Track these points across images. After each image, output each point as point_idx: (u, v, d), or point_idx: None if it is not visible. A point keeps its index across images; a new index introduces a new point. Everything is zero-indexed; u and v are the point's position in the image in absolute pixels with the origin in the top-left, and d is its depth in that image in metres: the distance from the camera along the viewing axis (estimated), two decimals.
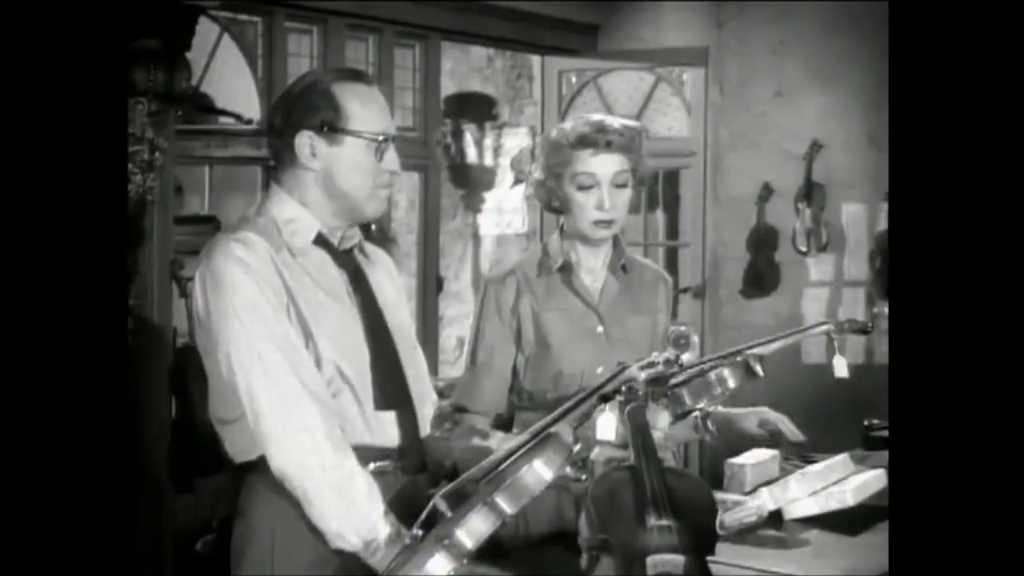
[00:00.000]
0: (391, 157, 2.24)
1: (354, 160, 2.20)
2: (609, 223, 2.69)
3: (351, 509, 2.06)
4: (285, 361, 2.09)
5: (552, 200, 2.76)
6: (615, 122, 2.72)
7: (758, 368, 2.29)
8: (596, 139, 2.66)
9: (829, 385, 2.57)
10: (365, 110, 2.21)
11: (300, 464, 2.06)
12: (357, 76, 2.27)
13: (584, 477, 2.18)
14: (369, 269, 2.33)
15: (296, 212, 2.22)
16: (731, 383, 2.28)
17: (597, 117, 2.76)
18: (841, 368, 2.61)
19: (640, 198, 2.86)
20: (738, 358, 2.34)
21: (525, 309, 2.72)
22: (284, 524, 2.12)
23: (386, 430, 2.22)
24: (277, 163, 2.26)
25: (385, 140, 2.22)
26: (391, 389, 2.23)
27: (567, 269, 2.75)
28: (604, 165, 2.67)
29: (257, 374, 2.08)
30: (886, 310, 2.36)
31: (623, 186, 2.69)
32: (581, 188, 2.68)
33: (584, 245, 2.75)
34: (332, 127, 2.18)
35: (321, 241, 2.24)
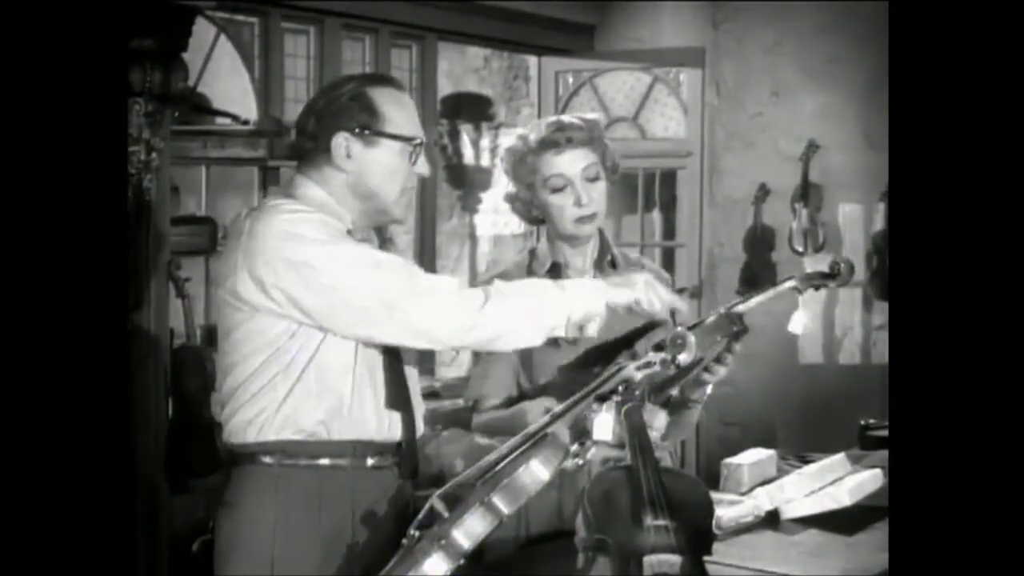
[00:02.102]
0: (423, 161, 2.30)
1: (388, 162, 2.24)
2: (591, 217, 2.68)
3: (543, 303, 2.22)
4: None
5: (531, 211, 2.75)
6: (572, 119, 2.71)
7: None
8: (557, 138, 2.65)
9: (826, 385, 2.57)
10: (400, 115, 2.25)
11: (485, 307, 2.18)
12: (389, 81, 2.32)
13: (582, 463, 2.18)
14: None
15: (327, 200, 2.25)
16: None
17: (552, 118, 2.76)
18: (796, 325, 2.61)
19: (614, 187, 2.83)
20: (721, 310, 2.38)
21: None
22: (287, 519, 2.12)
23: (392, 428, 2.26)
24: (303, 164, 2.28)
25: (419, 144, 2.27)
26: (397, 389, 2.27)
27: (556, 270, 2.74)
28: (572, 163, 2.65)
29: (387, 270, 2.16)
30: (847, 255, 2.37)
31: (596, 179, 2.68)
32: (555, 191, 2.66)
33: (570, 246, 2.74)
34: (369, 129, 2.21)
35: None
